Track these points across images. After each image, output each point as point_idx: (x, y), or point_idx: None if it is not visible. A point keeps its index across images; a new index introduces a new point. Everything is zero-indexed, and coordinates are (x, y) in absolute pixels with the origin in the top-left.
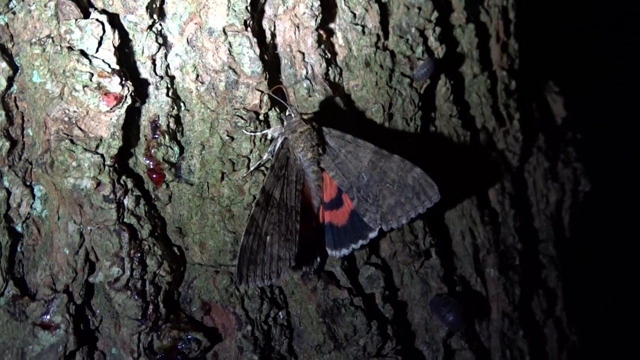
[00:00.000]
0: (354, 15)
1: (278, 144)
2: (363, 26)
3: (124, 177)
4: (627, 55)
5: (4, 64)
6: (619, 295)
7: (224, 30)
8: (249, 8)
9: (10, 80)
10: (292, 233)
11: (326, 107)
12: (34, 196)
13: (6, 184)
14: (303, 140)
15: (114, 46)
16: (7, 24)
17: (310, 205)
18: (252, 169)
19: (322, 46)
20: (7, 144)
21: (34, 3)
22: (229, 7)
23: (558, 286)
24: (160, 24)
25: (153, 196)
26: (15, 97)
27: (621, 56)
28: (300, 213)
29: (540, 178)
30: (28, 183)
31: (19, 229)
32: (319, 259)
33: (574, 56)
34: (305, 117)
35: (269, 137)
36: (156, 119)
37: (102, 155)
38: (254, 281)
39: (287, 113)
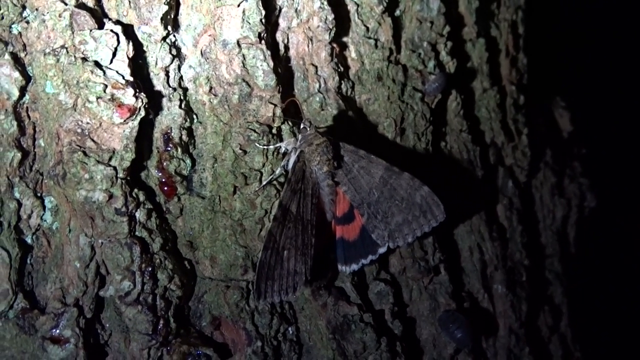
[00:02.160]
0: (367, 28)
1: (293, 158)
2: (376, 40)
3: (136, 190)
4: (631, 70)
5: (16, 74)
6: (623, 311)
7: (238, 42)
8: (263, 20)
9: (22, 90)
10: (307, 247)
11: (338, 120)
12: (44, 208)
13: (17, 195)
14: (319, 154)
15: (128, 57)
16: (20, 33)
17: (324, 219)
18: (264, 183)
19: (335, 59)
20: (19, 154)
21: (48, 13)
22: (243, 20)
23: (563, 302)
24: (174, 36)
25: (164, 209)
26: (27, 107)
27: (626, 71)
28: (315, 227)
29: (547, 193)
30: (39, 194)
31: (28, 240)
32: (330, 274)
33: (580, 70)
34: (320, 130)
35: (282, 150)
36: (169, 131)
37: (114, 168)
38: (272, 297)
39: (302, 126)
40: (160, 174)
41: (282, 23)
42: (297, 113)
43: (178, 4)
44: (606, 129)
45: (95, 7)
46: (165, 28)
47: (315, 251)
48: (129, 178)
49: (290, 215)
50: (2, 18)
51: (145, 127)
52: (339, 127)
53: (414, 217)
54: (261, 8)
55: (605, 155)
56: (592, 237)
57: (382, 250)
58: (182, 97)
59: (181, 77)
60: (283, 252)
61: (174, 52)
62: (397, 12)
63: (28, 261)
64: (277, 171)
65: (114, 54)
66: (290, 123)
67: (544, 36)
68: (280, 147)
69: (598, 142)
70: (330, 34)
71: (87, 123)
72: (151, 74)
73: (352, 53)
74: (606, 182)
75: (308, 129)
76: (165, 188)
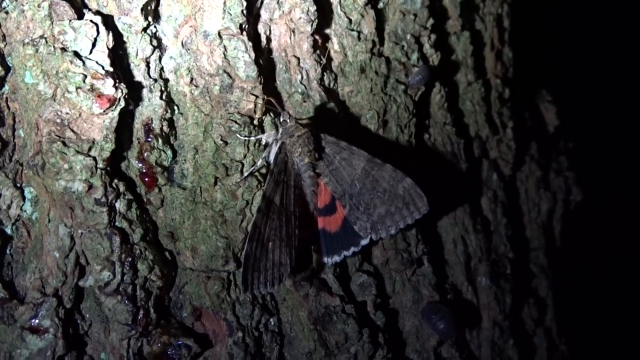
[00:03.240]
0: (350, 21)
1: (274, 149)
2: (359, 32)
3: (116, 181)
4: (619, 64)
5: None
6: (608, 304)
7: (219, 33)
8: (244, 12)
9: (2, 81)
10: (291, 238)
11: (321, 112)
12: (24, 198)
13: None
14: (300, 145)
15: (108, 48)
16: None
17: (307, 211)
18: (245, 174)
19: (318, 51)
20: None
21: (27, 3)
22: (224, 11)
23: (548, 295)
24: (155, 26)
25: (145, 200)
26: (6, 98)
27: (613, 65)
28: (298, 218)
29: (533, 187)
30: (18, 185)
31: (8, 231)
32: (311, 265)
33: (566, 64)
34: (300, 122)
35: (263, 142)
36: (149, 122)
37: (94, 158)
38: (259, 288)
39: (281, 118)
40: (140, 165)
41: (264, 15)
42: (277, 105)
43: None
44: (592, 123)
45: None
46: (146, 19)
47: (298, 242)
48: (108, 168)
49: (274, 206)
50: None
51: (126, 118)
52: (321, 119)
53: (397, 209)
54: None
55: (591, 149)
56: (577, 230)
57: (364, 242)
58: (162, 88)
59: (162, 68)
60: (268, 244)
61: (154, 43)
62: (381, 5)
63: (7, 251)
64: (259, 163)
65: (94, 45)
66: (272, 115)
67: (529, 30)
68: (261, 138)
69: (584, 136)
70: (312, 25)
71: (67, 113)
72: (132, 64)
73: (334, 45)
74: (592, 176)
75: (288, 120)
76: (146, 179)
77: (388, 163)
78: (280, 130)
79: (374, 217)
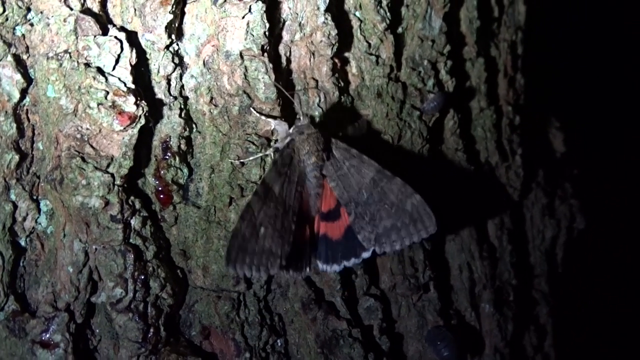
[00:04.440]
0: (369, 45)
1: (283, 145)
2: (377, 56)
3: (132, 197)
4: (625, 93)
5: (18, 76)
6: (607, 332)
7: (240, 54)
8: (267, 33)
9: (23, 93)
10: (286, 231)
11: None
12: (39, 211)
13: (13, 197)
14: (309, 144)
15: (131, 65)
16: (23, 35)
17: (308, 212)
18: (251, 157)
19: (336, 74)
20: (17, 157)
21: (52, 16)
22: (247, 32)
23: (548, 322)
24: (178, 44)
25: (159, 217)
26: (27, 110)
27: (620, 93)
28: (297, 214)
29: (538, 214)
30: (35, 197)
31: (22, 243)
32: (308, 269)
33: (575, 90)
34: (313, 122)
35: (272, 127)
36: (167, 139)
37: (112, 175)
38: (242, 268)
39: (297, 116)
40: (157, 182)
41: (285, 36)
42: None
43: (183, 13)
44: (598, 150)
45: (100, 12)
46: (169, 36)
47: (295, 242)
48: (125, 185)
49: (272, 195)
50: (7, 20)
51: (145, 135)
52: (336, 131)
53: (404, 225)
54: (265, 21)
55: (596, 176)
56: (579, 258)
57: (366, 254)
58: (182, 106)
59: (182, 86)
60: (260, 228)
61: (176, 60)
62: (400, 30)
63: (21, 264)
64: (269, 151)
65: (117, 61)
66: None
67: (541, 57)
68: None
69: (590, 164)
70: (332, 49)
71: (87, 129)
72: (153, 81)
73: (352, 68)
74: (596, 204)
75: (302, 119)
76: (162, 196)
77: (398, 177)
78: (293, 127)
79: (379, 229)
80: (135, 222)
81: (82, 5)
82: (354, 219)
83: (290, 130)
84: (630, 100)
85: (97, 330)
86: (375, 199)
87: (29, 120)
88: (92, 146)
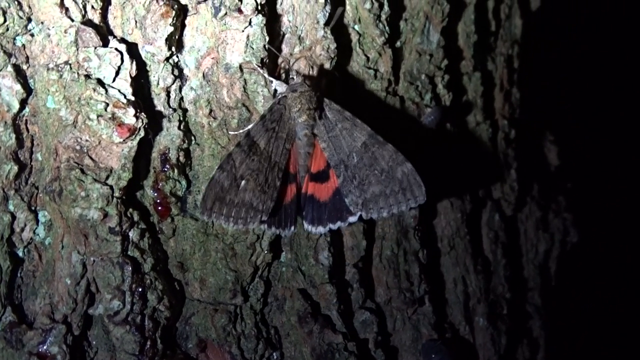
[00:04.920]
0: (368, 58)
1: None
2: (375, 70)
3: (130, 209)
4: (620, 107)
5: (18, 86)
6: (600, 344)
7: (240, 66)
8: (266, 46)
9: (23, 103)
10: (270, 187)
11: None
12: (37, 222)
13: (11, 208)
14: (301, 102)
15: (131, 76)
16: (24, 45)
17: (296, 170)
18: (248, 128)
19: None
20: (16, 167)
21: (53, 27)
22: (247, 45)
23: (541, 335)
24: (178, 56)
25: (157, 229)
26: (26, 120)
27: (615, 107)
28: (283, 171)
29: (532, 228)
30: (33, 208)
31: (20, 253)
32: (292, 228)
33: (569, 104)
34: (307, 82)
35: (273, 88)
36: (166, 151)
37: (111, 187)
38: (218, 219)
39: (290, 76)
40: (155, 194)
41: (285, 49)
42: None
43: (183, 26)
44: (592, 163)
45: (101, 23)
46: (169, 49)
47: (280, 198)
48: (124, 197)
49: (257, 148)
50: (7, 30)
51: (143, 147)
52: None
53: (392, 192)
54: (265, 34)
55: (589, 189)
56: (572, 271)
57: (352, 218)
58: (181, 118)
59: (182, 98)
60: (240, 181)
61: (176, 72)
62: (398, 44)
63: (18, 275)
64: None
65: (117, 73)
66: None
67: (537, 70)
68: (272, 82)
69: (583, 176)
70: (331, 62)
71: (86, 140)
72: (152, 93)
73: (351, 82)
74: (589, 216)
75: (295, 78)
76: (160, 208)
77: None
78: (287, 86)
79: (367, 194)
80: (133, 234)
81: (83, 16)
82: (343, 182)
83: (284, 88)
84: (625, 114)
85: (94, 343)
86: (366, 163)
87: (28, 130)
88: (91, 158)
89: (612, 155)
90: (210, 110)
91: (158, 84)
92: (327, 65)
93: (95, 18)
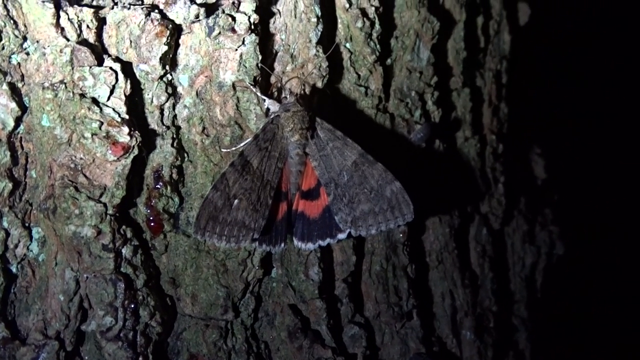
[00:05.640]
0: (359, 76)
1: (268, 120)
2: (366, 87)
3: (124, 226)
4: (604, 117)
5: (13, 104)
6: (586, 355)
7: (233, 85)
8: (259, 65)
9: (18, 121)
10: (262, 205)
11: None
12: (31, 238)
13: (5, 224)
14: (293, 121)
15: (125, 95)
16: (19, 63)
17: (287, 188)
18: (240, 145)
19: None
20: (10, 184)
21: (49, 46)
22: (240, 63)
23: (527, 347)
24: (171, 75)
25: (150, 245)
26: (21, 137)
27: (599, 117)
28: (275, 189)
29: (519, 241)
30: (27, 224)
31: (13, 269)
32: (283, 245)
33: (556, 116)
34: (300, 101)
35: (265, 106)
36: (159, 169)
37: (104, 204)
38: (211, 237)
39: (282, 95)
40: (148, 211)
41: (277, 67)
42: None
43: (177, 45)
44: (579, 176)
45: (96, 42)
46: (164, 67)
47: (271, 216)
48: (117, 214)
49: (250, 168)
50: (3, 48)
51: (137, 164)
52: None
53: (381, 210)
54: (258, 53)
55: (576, 201)
56: (558, 283)
57: (341, 235)
58: (174, 136)
59: (175, 116)
60: (233, 200)
61: (169, 90)
62: (389, 61)
63: (12, 290)
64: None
65: (112, 92)
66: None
67: (525, 84)
68: (264, 100)
69: (570, 189)
70: (323, 81)
71: (81, 158)
72: (146, 111)
73: (343, 99)
74: (575, 229)
75: (288, 97)
76: (153, 225)
77: (380, 163)
78: (280, 105)
79: (356, 212)
80: (126, 251)
81: (79, 36)
82: (333, 200)
83: (277, 108)
84: (611, 127)
85: (87, 358)
86: (356, 182)
87: (22, 148)
88: (85, 176)
89: (598, 168)
90: (203, 128)
91: (152, 102)
92: (319, 83)
93: (91, 37)
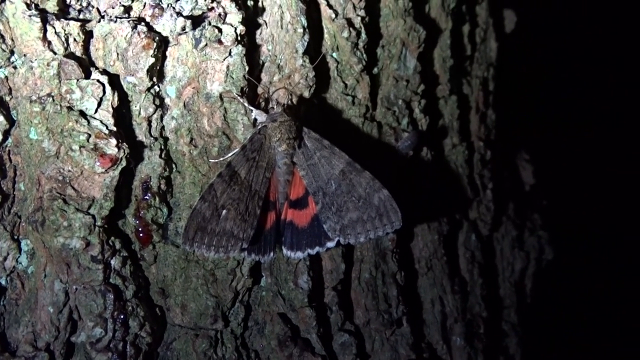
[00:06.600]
0: (346, 85)
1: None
2: (353, 97)
3: (112, 238)
4: (592, 122)
5: (0, 118)
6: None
7: (220, 96)
8: (246, 76)
9: (5, 134)
10: (251, 215)
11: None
12: (20, 250)
13: None
14: (281, 131)
15: (113, 107)
16: (6, 77)
17: (275, 198)
18: (228, 155)
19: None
20: None
21: (36, 60)
22: (227, 74)
23: (517, 352)
24: (159, 86)
25: (139, 256)
26: (9, 150)
27: (588, 122)
28: (263, 199)
29: (508, 247)
30: (16, 237)
31: (2, 282)
32: (272, 254)
33: (544, 122)
34: (287, 111)
35: (253, 116)
36: (148, 180)
37: (93, 216)
38: (200, 248)
39: (269, 105)
40: (137, 222)
41: (264, 77)
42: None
43: (164, 56)
44: (567, 181)
45: (83, 55)
46: (151, 79)
47: (260, 226)
48: (106, 226)
49: (238, 178)
50: None
51: (125, 176)
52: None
53: (370, 218)
54: (245, 64)
55: (564, 207)
56: (547, 288)
57: (330, 244)
58: (162, 147)
59: (163, 127)
60: (222, 210)
61: (157, 102)
62: (375, 70)
63: (1, 303)
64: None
65: (99, 104)
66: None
67: (512, 91)
68: (252, 111)
69: (559, 195)
70: (310, 90)
71: (69, 171)
72: (134, 123)
73: (330, 109)
74: (564, 235)
75: (275, 107)
76: (141, 235)
77: (367, 171)
78: (267, 116)
79: (344, 220)
80: (115, 262)
81: (66, 49)
82: (321, 209)
83: (264, 118)
84: (599, 132)
85: None
86: (344, 191)
87: (11, 161)
88: (73, 188)
89: (586, 173)
90: (191, 139)
91: (140, 113)
92: (305, 93)
93: (78, 50)
